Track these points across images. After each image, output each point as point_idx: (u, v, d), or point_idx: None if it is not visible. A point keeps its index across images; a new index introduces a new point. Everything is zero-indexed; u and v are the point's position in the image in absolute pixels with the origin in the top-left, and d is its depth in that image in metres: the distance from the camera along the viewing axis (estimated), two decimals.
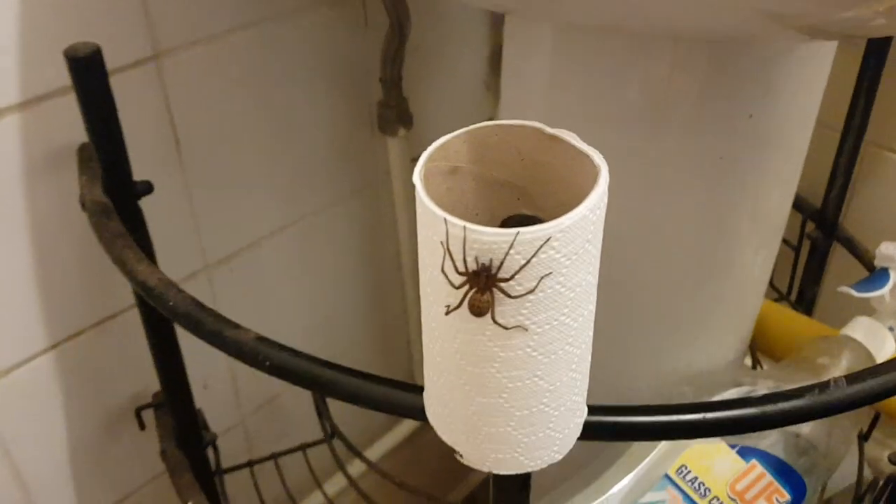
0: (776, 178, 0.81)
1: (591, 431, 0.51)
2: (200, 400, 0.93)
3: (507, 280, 0.40)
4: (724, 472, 0.80)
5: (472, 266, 0.40)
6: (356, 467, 1.03)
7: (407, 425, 1.27)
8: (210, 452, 0.93)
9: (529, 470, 0.49)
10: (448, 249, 0.40)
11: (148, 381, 0.90)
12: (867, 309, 0.96)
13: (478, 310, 0.40)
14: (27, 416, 0.85)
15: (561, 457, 0.50)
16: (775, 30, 0.59)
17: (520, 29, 0.72)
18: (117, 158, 0.72)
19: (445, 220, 0.40)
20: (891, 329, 0.91)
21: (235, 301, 0.96)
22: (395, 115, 0.98)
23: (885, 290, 0.89)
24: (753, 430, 0.53)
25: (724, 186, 0.77)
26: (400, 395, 0.53)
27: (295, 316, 1.05)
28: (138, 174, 0.75)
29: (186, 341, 0.85)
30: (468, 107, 1.11)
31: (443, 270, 0.41)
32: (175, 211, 0.88)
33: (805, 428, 0.85)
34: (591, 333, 0.47)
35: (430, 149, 0.44)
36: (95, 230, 0.67)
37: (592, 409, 0.51)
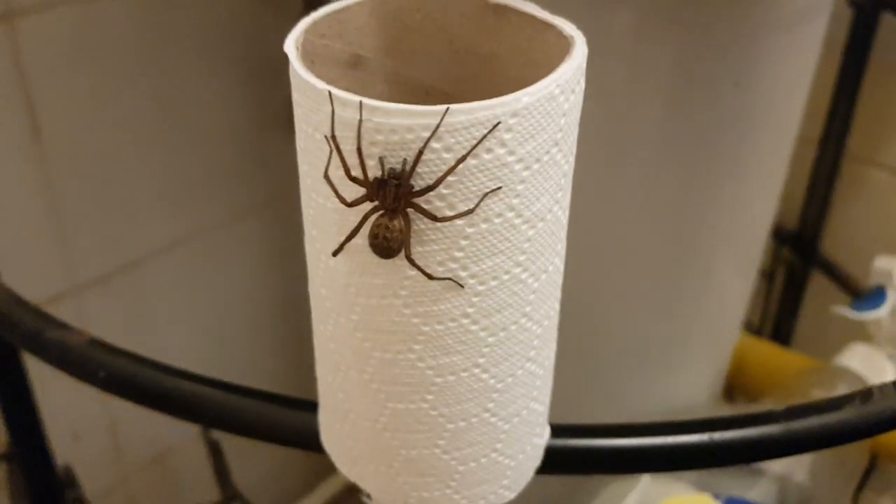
0: (760, 172, 0.68)
1: (557, 460, 0.36)
2: (70, 453, 0.76)
3: (426, 190, 0.25)
4: None
5: (374, 172, 0.25)
6: None
7: (327, 488, 1.09)
8: None
9: None
10: (335, 144, 0.25)
11: None
12: (857, 338, 0.83)
13: (385, 242, 0.25)
14: None
15: (512, 496, 0.35)
16: None
17: None
18: None
19: (331, 95, 0.25)
20: (890, 357, 0.78)
21: (111, 331, 0.79)
22: None
23: (884, 312, 0.76)
24: (775, 456, 0.39)
25: (703, 176, 0.64)
26: (277, 413, 0.37)
27: (187, 352, 0.88)
28: None
29: (51, 378, 0.68)
30: None
31: (326, 176, 0.25)
32: (33, 214, 0.72)
33: (801, 475, 0.71)
34: (557, 305, 0.32)
35: (317, 14, 0.29)
36: None
37: (559, 430, 0.36)
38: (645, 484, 0.70)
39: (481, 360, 0.29)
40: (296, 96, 0.27)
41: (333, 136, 0.24)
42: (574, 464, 0.37)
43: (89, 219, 0.76)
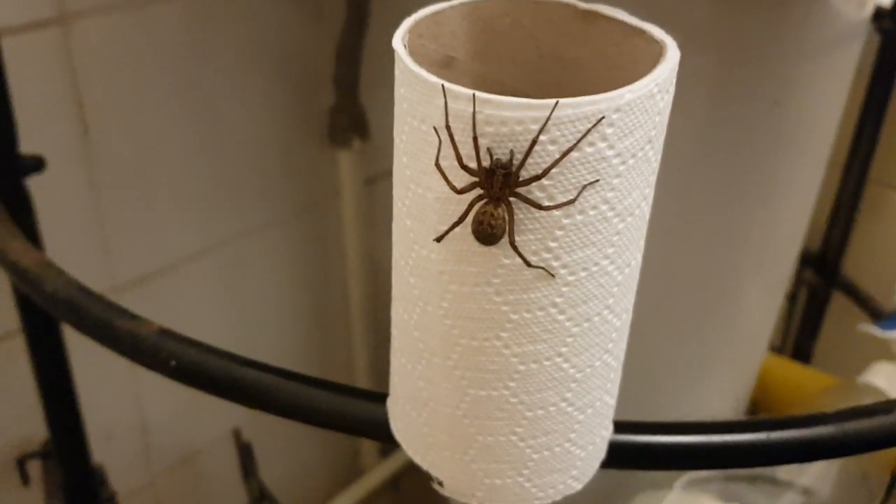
0: (794, 194, 0.69)
1: (619, 454, 0.37)
2: (102, 453, 0.77)
3: (532, 180, 0.26)
4: None
5: (483, 160, 0.26)
6: None
7: (357, 490, 1.10)
8: None
9: None
10: (450, 134, 0.26)
11: (35, 425, 0.74)
12: (876, 358, 0.84)
13: (489, 229, 0.27)
14: None
15: (580, 487, 0.36)
16: None
17: None
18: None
19: (444, 88, 0.26)
20: None
21: None
22: (349, 122, 0.85)
23: None
24: (828, 456, 0.40)
25: (739, 196, 0.65)
26: (351, 404, 0.38)
27: None
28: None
29: (88, 378, 0.69)
30: None
31: (437, 164, 0.27)
32: (78, 214, 0.73)
33: (826, 488, 0.72)
34: (633, 298, 0.33)
35: (418, 15, 0.31)
36: None
37: (620, 426, 0.37)
38: (674, 496, 0.71)
39: (564, 350, 0.31)
40: (402, 91, 0.28)
41: (448, 127, 0.26)
42: (635, 459, 0.38)
43: (130, 220, 0.77)
